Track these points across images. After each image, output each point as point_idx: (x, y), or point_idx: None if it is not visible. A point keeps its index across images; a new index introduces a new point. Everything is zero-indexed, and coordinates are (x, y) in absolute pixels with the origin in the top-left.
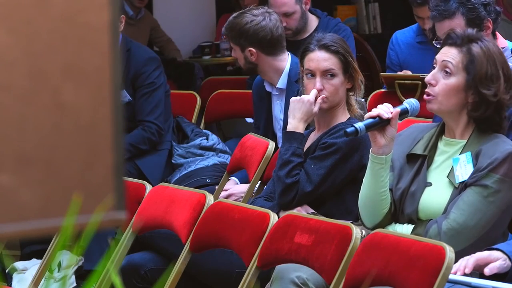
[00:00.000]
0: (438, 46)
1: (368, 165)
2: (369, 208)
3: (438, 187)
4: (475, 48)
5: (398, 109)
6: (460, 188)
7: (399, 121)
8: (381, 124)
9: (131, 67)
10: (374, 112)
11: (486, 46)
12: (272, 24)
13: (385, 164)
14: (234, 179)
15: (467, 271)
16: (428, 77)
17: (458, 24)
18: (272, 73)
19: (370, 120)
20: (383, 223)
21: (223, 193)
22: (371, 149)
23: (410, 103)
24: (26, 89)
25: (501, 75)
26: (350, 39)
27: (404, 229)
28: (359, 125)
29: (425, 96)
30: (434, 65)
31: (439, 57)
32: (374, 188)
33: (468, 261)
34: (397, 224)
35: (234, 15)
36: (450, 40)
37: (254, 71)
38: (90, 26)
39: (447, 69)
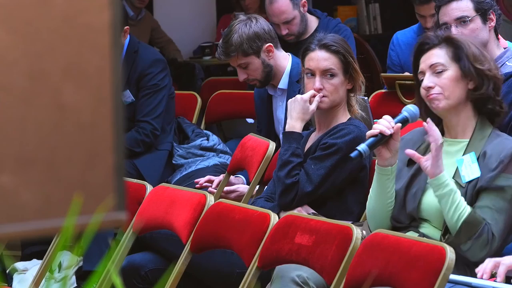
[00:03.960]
0: None
1: (374, 177)
2: (377, 220)
3: None
4: (453, 35)
5: (399, 124)
6: (467, 188)
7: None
8: (383, 140)
9: (137, 68)
10: (376, 129)
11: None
12: (263, 20)
13: (391, 175)
14: (241, 177)
15: (499, 280)
16: (425, 83)
17: (465, 6)
18: (282, 71)
19: (372, 138)
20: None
21: (226, 188)
22: (376, 161)
23: (409, 110)
24: (26, 90)
25: (486, 55)
26: (350, 40)
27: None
28: (362, 147)
29: (429, 97)
30: (421, 77)
31: (424, 65)
32: (381, 199)
33: (500, 270)
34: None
35: (226, 34)
36: (426, 45)
37: (269, 77)
38: (90, 27)
39: (437, 68)
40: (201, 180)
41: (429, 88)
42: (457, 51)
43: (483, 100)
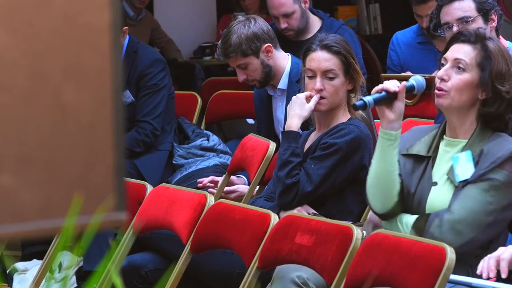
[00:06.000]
0: (443, 34)
1: (377, 143)
2: (378, 190)
3: (442, 186)
4: (490, 44)
5: (405, 82)
6: (460, 187)
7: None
8: (388, 98)
9: (137, 68)
10: (380, 86)
11: (498, 45)
12: (262, 21)
13: (394, 141)
14: (243, 177)
15: (504, 275)
16: (441, 73)
17: (467, 6)
18: (281, 72)
19: (377, 94)
20: (394, 212)
21: (227, 188)
22: (380, 125)
23: (417, 80)
24: (26, 90)
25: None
26: (355, 42)
27: (409, 219)
28: (368, 98)
29: (436, 91)
30: (443, 63)
31: (451, 54)
32: (384, 166)
33: (502, 266)
34: (404, 214)
35: (224, 35)
36: (463, 37)
37: (268, 78)
38: (90, 27)
39: (460, 65)
40: (205, 180)
41: (442, 80)
42: (485, 61)
43: (491, 116)
